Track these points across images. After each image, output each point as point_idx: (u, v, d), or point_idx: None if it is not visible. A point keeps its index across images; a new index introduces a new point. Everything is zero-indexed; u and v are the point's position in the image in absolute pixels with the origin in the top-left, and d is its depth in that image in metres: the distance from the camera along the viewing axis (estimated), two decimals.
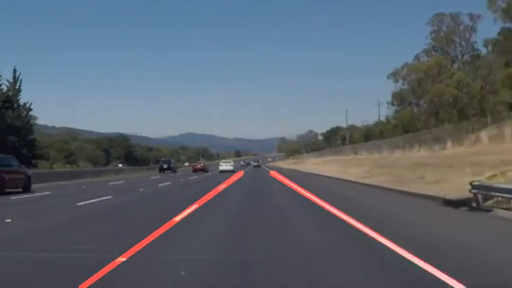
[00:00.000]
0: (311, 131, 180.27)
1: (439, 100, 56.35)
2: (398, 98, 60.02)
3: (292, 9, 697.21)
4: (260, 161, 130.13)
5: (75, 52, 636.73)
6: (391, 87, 61.49)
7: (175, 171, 60.89)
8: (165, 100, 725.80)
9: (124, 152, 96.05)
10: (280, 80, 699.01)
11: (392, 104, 61.51)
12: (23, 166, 24.84)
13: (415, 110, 60.80)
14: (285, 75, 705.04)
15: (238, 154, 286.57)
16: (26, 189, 22.67)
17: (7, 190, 21.01)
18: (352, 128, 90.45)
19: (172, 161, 70.53)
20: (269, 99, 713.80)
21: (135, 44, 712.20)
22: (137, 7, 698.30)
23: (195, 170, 59.67)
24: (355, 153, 47.93)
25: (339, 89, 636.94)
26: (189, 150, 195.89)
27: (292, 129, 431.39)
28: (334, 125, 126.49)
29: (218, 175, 44.61)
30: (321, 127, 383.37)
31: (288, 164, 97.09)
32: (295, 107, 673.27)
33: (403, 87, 60.17)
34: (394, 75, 59.69)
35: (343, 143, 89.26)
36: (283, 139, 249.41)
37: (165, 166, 60.40)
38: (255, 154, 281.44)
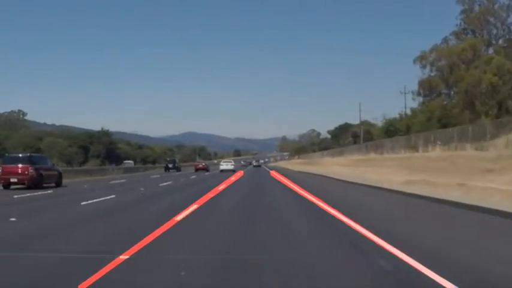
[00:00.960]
0: (313, 130, 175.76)
1: (475, 89, 47.38)
2: (426, 87, 50.65)
3: (291, 7, 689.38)
4: (261, 161, 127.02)
5: (78, 51, 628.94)
6: (413, 75, 52.38)
7: (180, 170, 66.28)
8: (166, 99, 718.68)
9: (104, 149, 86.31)
10: (280, 79, 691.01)
11: (419, 94, 52.15)
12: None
13: (445, 101, 51.64)
14: (285, 75, 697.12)
15: (237, 153, 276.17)
16: (58, 185, 25.59)
17: (43, 185, 23.89)
18: (365, 123, 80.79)
19: (177, 160, 77.46)
20: (270, 99, 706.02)
21: (137, 44, 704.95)
22: (142, 7, 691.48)
23: (197, 170, 64.88)
24: (414, 149, 33.32)
25: (341, 88, 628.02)
26: (185, 149, 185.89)
27: (293, 128, 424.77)
28: (337, 124, 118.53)
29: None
30: (322, 126, 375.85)
31: (296, 165, 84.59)
32: (295, 107, 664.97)
33: (432, 74, 50.93)
34: (421, 59, 50.46)
35: (355, 141, 79.98)
36: (284, 138, 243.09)
37: (170, 165, 67.23)
38: (255, 154, 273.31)
